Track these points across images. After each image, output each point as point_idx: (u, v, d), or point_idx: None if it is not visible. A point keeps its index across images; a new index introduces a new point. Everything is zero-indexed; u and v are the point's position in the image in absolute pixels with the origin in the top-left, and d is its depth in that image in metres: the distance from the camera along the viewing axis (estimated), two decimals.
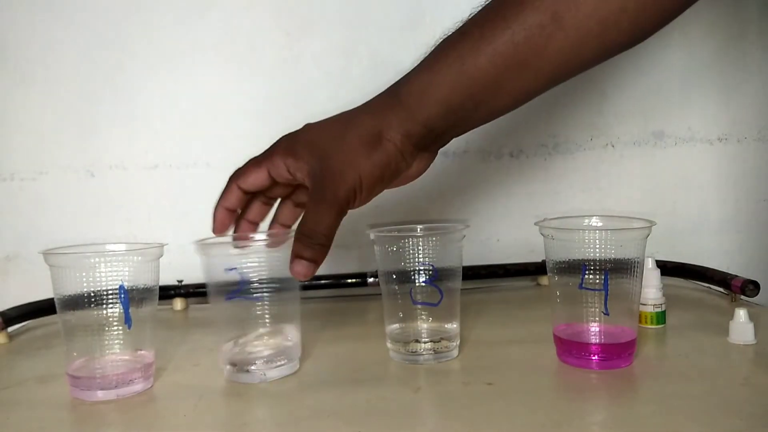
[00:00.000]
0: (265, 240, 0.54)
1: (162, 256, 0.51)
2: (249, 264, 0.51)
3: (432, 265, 0.54)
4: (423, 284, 0.54)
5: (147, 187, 0.84)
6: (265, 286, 0.52)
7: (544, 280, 0.83)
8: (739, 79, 0.89)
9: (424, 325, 0.55)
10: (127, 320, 0.49)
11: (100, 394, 0.48)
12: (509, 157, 0.87)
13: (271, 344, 0.53)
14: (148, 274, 0.50)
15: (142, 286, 0.50)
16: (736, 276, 0.69)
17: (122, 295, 0.48)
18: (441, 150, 0.54)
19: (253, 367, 0.51)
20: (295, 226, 0.54)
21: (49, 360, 0.60)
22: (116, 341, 0.49)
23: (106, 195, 0.83)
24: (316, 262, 0.49)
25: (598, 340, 0.51)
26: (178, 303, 0.78)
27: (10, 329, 0.68)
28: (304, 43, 0.84)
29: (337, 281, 0.80)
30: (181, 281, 0.79)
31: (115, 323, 0.49)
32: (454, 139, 0.53)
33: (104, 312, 0.48)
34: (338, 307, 0.78)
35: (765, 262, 0.87)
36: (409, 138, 0.50)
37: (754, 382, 0.47)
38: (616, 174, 0.89)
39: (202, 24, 0.83)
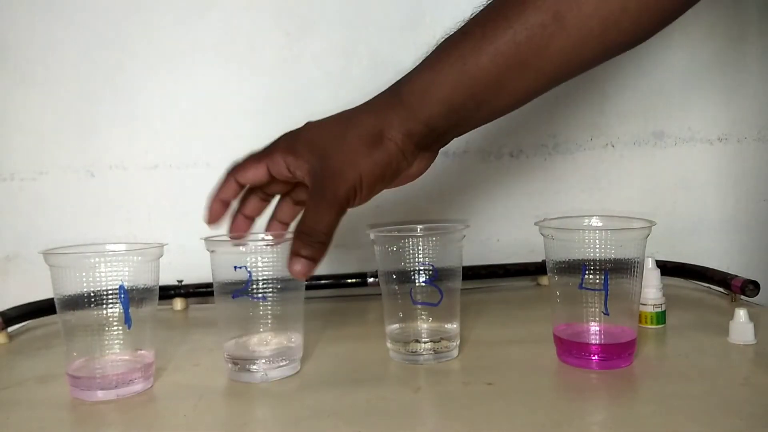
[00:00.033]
0: (274, 240, 0.54)
1: (162, 256, 0.51)
2: (258, 263, 0.51)
3: (432, 265, 0.54)
4: (423, 284, 0.54)
5: (147, 187, 0.84)
6: (272, 285, 0.52)
7: (544, 280, 0.83)
8: (739, 80, 0.89)
9: (424, 325, 0.55)
10: (127, 320, 0.49)
11: (100, 394, 0.48)
12: (509, 157, 0.87)
13: (274, 344, 0.53)
14: (148, 274, 0.50)
15: (142, 286, 0.50)
16: (736, 276, 0.69)
17: (122, 295, 0.48)
18: (441, 150, 0.54)
19: (254, 367, 0.51)
20: (294, 225, 0.54)
21: (49, 360, 0.60)
22: (116, 341, 0.49)
23: (106, 195, 0.83)
24: (315, 261, 0.49)
25: (598, 340, 0.51)
26: (178, 303, 0.78)
27: (10, 329, 0.68)
28: (304, 43, 0.84)
29: (337, 281, 0.80)
30: (181, 281, 0.79)
31: (115, 323, 0.49)
32: (454, 139, 0.53)
33: (104, 312, 0.48)
34: (338, 307, 0.78)
35: (765, 262, 0.88)
36: (410, 137, 0.50)
37: (754, 382, 0.47)
38: (616, 174, 0.89)
39: (202, 24, 0.83)
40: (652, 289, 0.61)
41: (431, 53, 0.50)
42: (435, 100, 0.49)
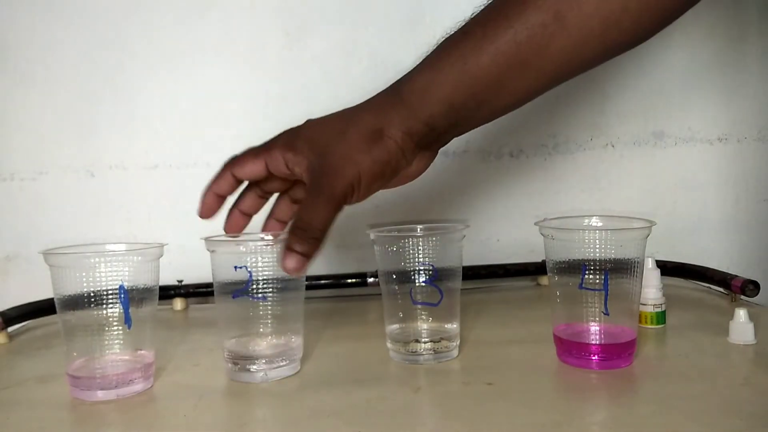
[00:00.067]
0: (274, 240, 0.54)
1: (162, 256, 0.51)
2: (258, 263, 0.51)
3: (432, 265, 0.54)
4: (423, 284, 0.54)
5: (147, 187, 0.84)
6: (272, 285, 0.51)
7: (544, 280, 0.83)
8: (739, 80, 0.89)
9: (424, 325, 0.55)
10: (127, 320, 0.49)
11: (100, 394, 0.48)
12: (509, 157, 0.87)
13: (274, 344, 0.53)
14: (148, 274, 0.50)
15: (142, 286, 0.50)
16: (736, 276, 0.69)
17: (122, 295, 0.48)
18: (441, 150, 0.54)
19: (254, 367, 0.51)
20: None
21: (49, 360, 0.60)
22: (116, 341, 0.49)
23: (106, 195, 0.83)
24: (309, 257, 0.47)
25: (598, 340, 0.51)
26: (178, 303, 0.78)
27: (10, 329, 0.68)
28: (304, 43, 0.84)
29: (337, 281, 0.80)
30: (181, 281, 0.79)
31: (115, 323, 0.49)
32: (454, 139, 0.53)
33: (104, 312, 0.48)
34: (338, 307, 0.77)
35: (765, 262, 0.88)
36: (410, 136, 0.50)
37: (754, 382, 0.47)
38: (616, 174, 0.89)
39: (202, 24, 0.83)
40: (652, 289, 0.61)
41: (432, 52, 0.50)
42: (435, 99, 0.49)
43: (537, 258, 0.81)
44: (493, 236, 0.88)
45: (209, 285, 0.57)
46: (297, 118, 0.54)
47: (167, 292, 0.77)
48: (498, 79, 0.47)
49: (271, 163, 0.52)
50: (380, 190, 0.52)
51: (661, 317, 0.61)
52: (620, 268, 0.50)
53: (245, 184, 0.55)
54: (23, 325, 0.71)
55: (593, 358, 0.51)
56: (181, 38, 0.82)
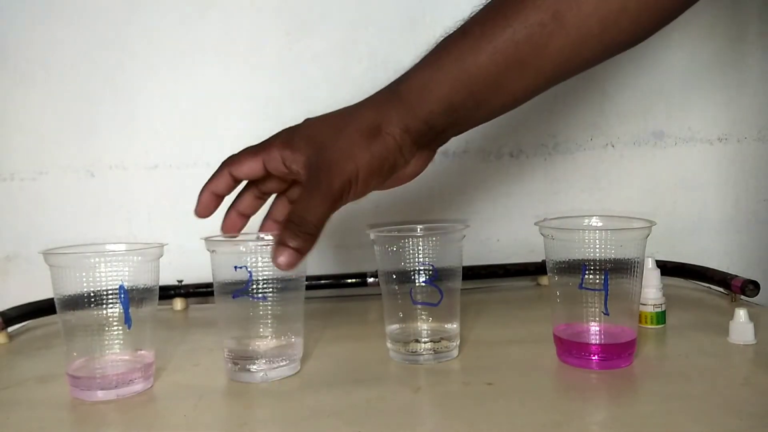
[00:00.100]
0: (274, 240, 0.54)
1: (162, 256, 0.51)
2: (258, 263, 0.51)
3: (432, 265, 0.54)
4: (423, 284, 0.54)
5: (147, 187, 0.84)
6: (272, 285, 0.51)
7: (544, 280, 0.83)
8: (739, 80, 0.89)
9: (424, 325, 0.55)
10: (127, 320, 0.49)
11: (100, 394, 0.48)
12: (509, 157, 0.87)
13: (274, 344, 0.53)
14: (148, 274, 0.50)
15: (142, 286, 0.50)
16: (736, 276, 0.69)
17: (122, 295, 0.48)
18: (441, 150, 0.54)
19: (254, 367, 0.51)
20: None
21: (49, 360, 0.60)
22: (116, 341, 0.49)
23: (106, 195, 0.83)
24: (302, 253, 0.46)
25: (598, 340, 0.51)
26: (178, 303, 0.78)
27: (10, 329, 0.68)
28: (304, 43, 0.84)
29: (337, 281, 0.80)
30: (181, 281, 0.79)
31: (115, 323, 0.49)
32: (453, 139, 0.53)
33: (104, 312, 0.48)
34: (338, 307, 0.78)
35: (765, 262, 0.88)
36: (408, 133, 0.49)
37: (754, 382, 0.47)
38: (616, 174, 0.89)
39: (202, 24, 0.83)
40: (652, 289, 0.61)
41: (431, 51, 0.50)
42: (434, 98, 0.49)
43: (537, 258, 0.81)
44: (493, 236, 0.88)
45: (209, 285, 0.57)
46: (297, 118, 0.54)
47: (167, 292, 0.77)
48: (496, 78, 0.47)
49: (269, 162, 0.52)
50: (380, 191, 0.52)
51: (661, 317, 0.61)
52: (620, 268, 0.50)
53: (243, 184, 0.55)
54: (23, 325, 0.71)
55: (593, 358, 0.51)
56: (181, 38, 0.83)
